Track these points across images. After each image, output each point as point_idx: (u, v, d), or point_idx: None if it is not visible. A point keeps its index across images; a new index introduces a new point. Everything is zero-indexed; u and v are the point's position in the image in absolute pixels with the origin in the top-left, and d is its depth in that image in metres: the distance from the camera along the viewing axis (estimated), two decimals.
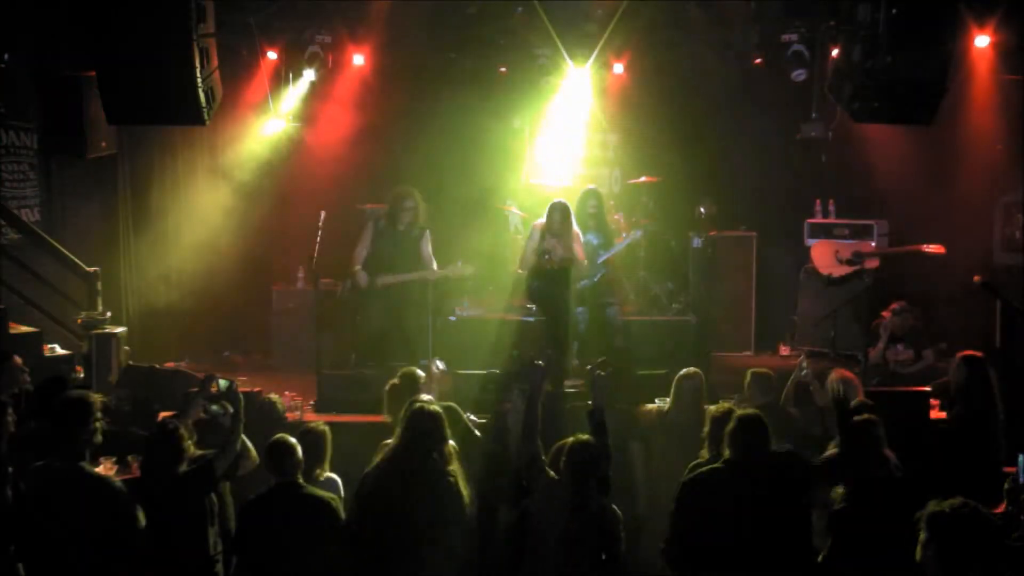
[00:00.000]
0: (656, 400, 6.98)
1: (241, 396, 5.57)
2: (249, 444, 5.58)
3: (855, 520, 5.06)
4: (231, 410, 5.73)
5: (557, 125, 11.23)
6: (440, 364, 8.32)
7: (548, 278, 8.52)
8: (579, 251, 8.57)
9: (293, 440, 5.30)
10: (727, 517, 4.78)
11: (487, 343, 9.21)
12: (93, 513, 4.93)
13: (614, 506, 5.10)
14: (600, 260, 8.97)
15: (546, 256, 8.41)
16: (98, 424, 5.08)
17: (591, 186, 9.47)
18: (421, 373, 6.48)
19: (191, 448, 5.30)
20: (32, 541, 4.80)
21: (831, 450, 5.84)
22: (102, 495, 4.99)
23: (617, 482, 5.41)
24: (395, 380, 6.41)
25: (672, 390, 6.62)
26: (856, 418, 5.29)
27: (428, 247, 8.49)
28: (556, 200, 8.68)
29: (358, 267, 8.32)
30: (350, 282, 8.38)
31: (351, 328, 8.61)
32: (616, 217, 10.37)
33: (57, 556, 4.83)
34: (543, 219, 8.63)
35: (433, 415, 5.21)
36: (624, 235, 9.62)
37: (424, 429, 5.16)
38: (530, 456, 5.21)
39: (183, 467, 5.21)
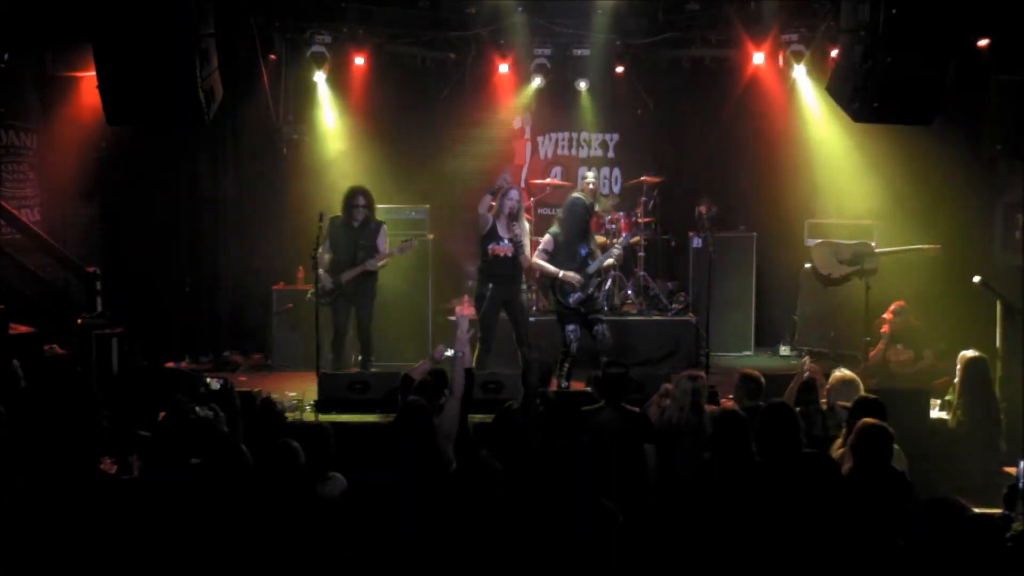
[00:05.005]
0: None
1: (237, 396, 5.54)
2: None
3: None
4: (221, 413, 5.71)
5: (557, 124, 11.22)
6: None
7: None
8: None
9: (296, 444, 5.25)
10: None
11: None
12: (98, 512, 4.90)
13: None
14: (589, 271, 8.33)
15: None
16: (102, 424, 5.04)
17: (579, 194, 8.70)
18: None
19: None
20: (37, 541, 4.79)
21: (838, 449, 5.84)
22: (106, 493, 4.96)
23: (631, 485, 5.49)
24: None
25: (675, 391, 6.60)
26: (870, 420, 5.32)
27: (384, 241, 8.66)
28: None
29: (322, 271, 8.41)
30: (319, 287, 8.35)
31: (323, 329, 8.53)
32: (617, 217, 10.38)
33: (62, 556, 4.81)
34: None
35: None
36: (614, 243, 9.21)
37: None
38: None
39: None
